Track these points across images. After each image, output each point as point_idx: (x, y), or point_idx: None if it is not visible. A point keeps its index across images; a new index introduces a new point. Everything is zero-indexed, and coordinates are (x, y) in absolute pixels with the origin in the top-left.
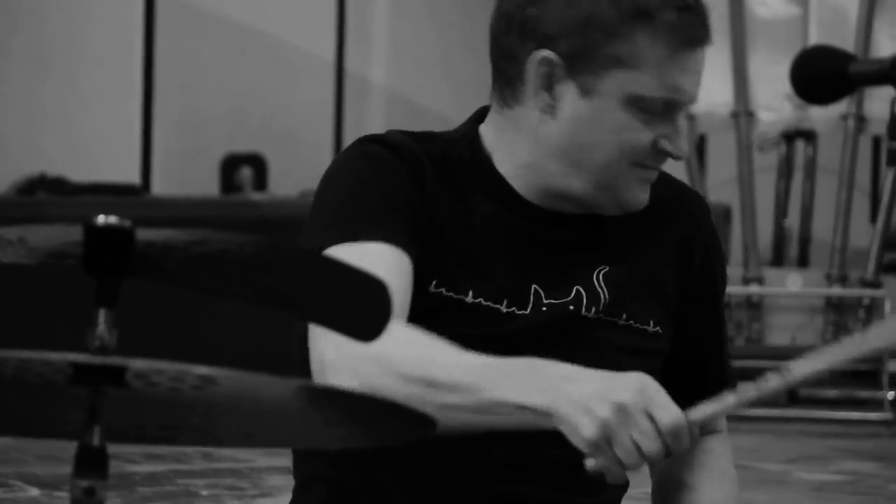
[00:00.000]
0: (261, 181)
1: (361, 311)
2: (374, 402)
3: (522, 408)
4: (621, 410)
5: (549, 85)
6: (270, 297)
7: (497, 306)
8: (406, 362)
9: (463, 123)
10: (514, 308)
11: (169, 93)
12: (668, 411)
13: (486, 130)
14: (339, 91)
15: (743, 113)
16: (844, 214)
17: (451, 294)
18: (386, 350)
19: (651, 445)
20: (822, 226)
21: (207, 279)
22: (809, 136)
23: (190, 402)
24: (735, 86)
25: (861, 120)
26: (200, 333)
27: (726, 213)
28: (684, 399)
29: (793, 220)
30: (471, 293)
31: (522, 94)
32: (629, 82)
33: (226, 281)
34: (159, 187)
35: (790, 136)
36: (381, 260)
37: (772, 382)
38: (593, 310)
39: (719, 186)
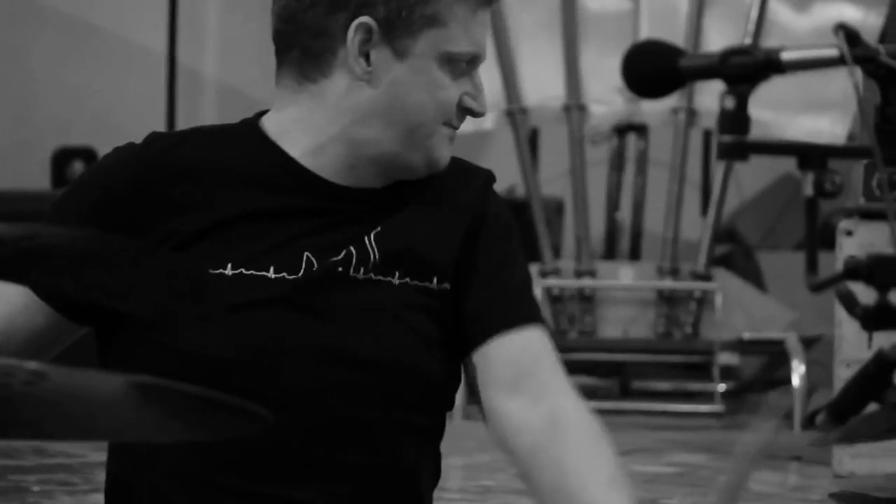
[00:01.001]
0: None
1: (185, 300)
2: (205, 397)
3: None
4: None
5: (364, 53)
6: (102, 292)
7: (262, 273)
8: None
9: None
10: (283, 273)
11: None
12: None
13: (273, 118)
14: (171, 84)
15: (575, 106)
16: (676, 207)
17: (210, 271)
18: None
19: None
20: (654, 219)
21: (38, 274)
22: (641, 129)
23: (20, 398)
24: (567, 79)
25: (692, 114)
26: None
27: (558, 207)
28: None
29: (625, 214)
30: (230, 266)
31: (331, 66)
32: (441, 40)
33: (57, 275)
34: None
35: (622, 130)
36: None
37: None
38: (362, 270)
39: (552, 180)
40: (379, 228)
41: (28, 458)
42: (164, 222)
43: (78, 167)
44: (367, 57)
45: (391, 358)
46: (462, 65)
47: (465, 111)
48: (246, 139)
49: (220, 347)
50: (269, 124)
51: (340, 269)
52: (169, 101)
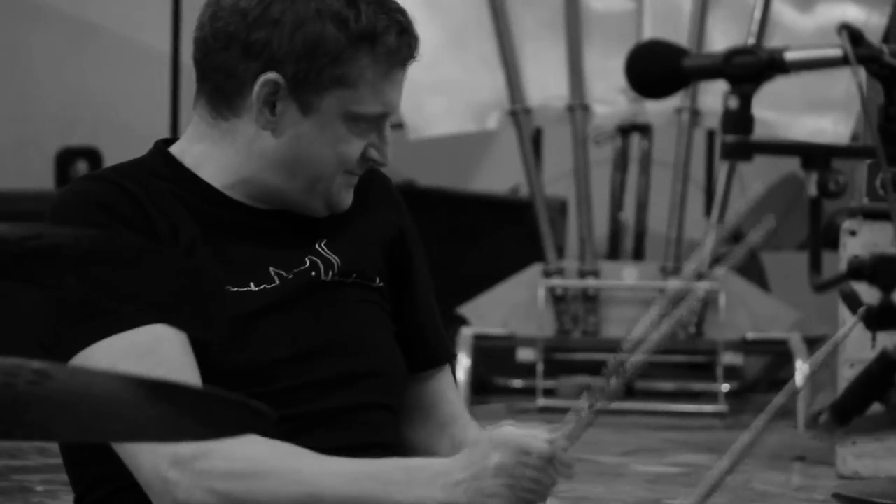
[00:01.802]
0: None
1: (196, 303)
2: (210, 396)
3: None
4: (500, 473)
5: (271, 103)
6: (106, 292)
7: (247, 288)
8: (280, 479)
9: (147, 154)
10: (264, 286)
11: (2, 85)
12: (544, 469)
13: (187, 147)
14: (174, 84)
15: (578, 107)
16: (679, 208)
17: None
18: (252, 467)
19: (545, 480)
20: (657, 219)
21: (42, 273)
22: (644, 129)
23: (25, 398)
24: (570, 79)
25: (695, 114)
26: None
27: (562, 207)
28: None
29: (628, 214)
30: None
31: (240, 108)
32: (348, 100)
33: (61, 275)
34: None
35: (625, 130)
36: (169, 347)
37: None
38: (330, 274)
39: (555, 180)
40: (326, 239)
41: (32, 459)
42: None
43: (82, 167)
44: (272, 107)
45: (376, 346)
46: (370, 120)
47: (368, 161)
48: (170, 171)
49: (221, 355)
50: (183, 155)
51: (313, 273)
52: (173, 101)
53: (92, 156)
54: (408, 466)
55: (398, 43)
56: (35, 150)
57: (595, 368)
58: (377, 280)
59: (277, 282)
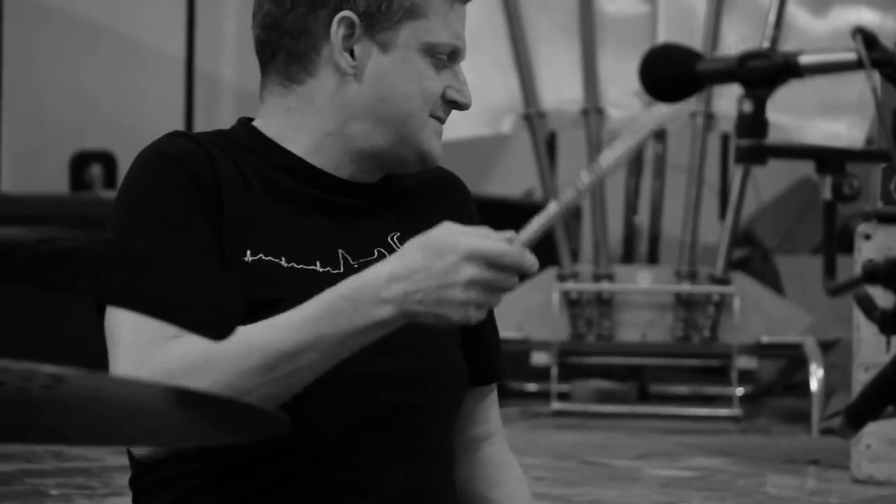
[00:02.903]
0: (111, 179)
1: (211, 308)
2: (225, 401)
3: (374, 327)
4: (470, 286)
5: (349, 49)
6: (120, 296)
7: (312, 267)
8: (236, 357)
9: (230, 127)
10: (328, 268)
11: (17, 90)
12: (504, 264)
13: (266, 122)
14: (189, 88)
15: (593, 110)
16: (694, 211)
17: (270, 258)
18: (207, 355)
19: (509, 287)
20: (672, 223)
21: (56, 277)
22: (659, 133)
23: (39, 402)
24: (585, 83)
25: (710, 117)
26: (49, 332)
27: (576, 211)
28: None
29: (642, 218)
30: (283, 259)
31: (316, 65)
32: (422, 32)
33: (75, 279)
34: (8, 185)
35: None
36: None
37: (584, 179)
38: None
39: (569, 184)
40: (399, 233)
41: (46, 462)
42: (219, 210)
43: (96, 171)
44: (351, 52)
45: (437, 347)
46: (444, 58)
47: (450, 104)
48: (251, 140)
49: None
50: (265, 128)
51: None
52: (187, 106)
53: (106, 160)
54: (347, 292)
55: None
56: (49, 154)
57: (609, 372)
58: None
59: (342, 269)
